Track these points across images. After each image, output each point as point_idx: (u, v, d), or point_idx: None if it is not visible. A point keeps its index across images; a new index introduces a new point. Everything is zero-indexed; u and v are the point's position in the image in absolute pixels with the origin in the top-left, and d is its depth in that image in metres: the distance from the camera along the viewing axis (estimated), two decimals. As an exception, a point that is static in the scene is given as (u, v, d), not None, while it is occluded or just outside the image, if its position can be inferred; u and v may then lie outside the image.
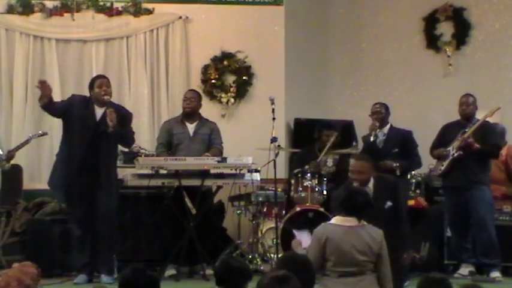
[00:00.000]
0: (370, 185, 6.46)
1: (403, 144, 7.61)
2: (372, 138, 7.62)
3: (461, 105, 7.65)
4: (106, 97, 7.07)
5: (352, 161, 6.72)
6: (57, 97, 8.98)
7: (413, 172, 8.13)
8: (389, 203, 6.39)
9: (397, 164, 7.42)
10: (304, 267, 4.22)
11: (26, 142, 8.01)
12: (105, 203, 7.00)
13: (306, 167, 8.08)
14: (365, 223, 5.19)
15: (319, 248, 5.07)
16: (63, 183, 7.14)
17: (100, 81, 7.19)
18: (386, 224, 5.73)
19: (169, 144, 7.82)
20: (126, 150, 8.02)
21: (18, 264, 4.13)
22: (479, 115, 7.60)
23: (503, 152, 8.06)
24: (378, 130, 7.68)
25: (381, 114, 7.70)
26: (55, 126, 8.91)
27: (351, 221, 5.14)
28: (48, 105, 7.08)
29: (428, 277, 3.99)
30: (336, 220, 5.22)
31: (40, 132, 8.24)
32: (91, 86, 7.23)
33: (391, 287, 5.21)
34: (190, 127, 7.83)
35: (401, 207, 6.57)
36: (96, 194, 6.99)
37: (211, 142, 7.78)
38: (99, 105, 7.12)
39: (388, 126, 7.72)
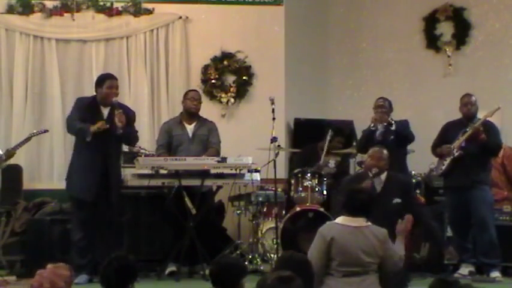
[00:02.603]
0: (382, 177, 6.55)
1: (398, 132, 7.61)
2: (372, 127, 7.59)
3: (465, 105, 7.63)
4: (115, 99, 7.11)
5: (371, 150, 6.75)
6: (56, 97, 9.06)
7: (413, 172, 8.12)
8: (397, 200, 6.42)
9: (392, 119, 7.47)
10: (303, 267, 4.21)
11: (27, 140, 8.00)
12: (111, 203, 7.02)
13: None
14: (369, 223, 5.17)
15: (325, 247, 5.05)
16: (89, 189, 7.05)
17: (111, 83, 7.18)
18: (391, 219, 5.76)
19: (169, 146, 7.82)
20: (126, 150, 8.02)
21: (52, 265, 4.13)
22: (479, 115, 7.60)
23: (500, 153, 8.04)
24: (379, 124, 7.68)
25: (384, 108, 7.68)
26: (55, 125, 8.93)
27: (356, 221, 5.11)
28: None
29: (441, 279, 3.95)
30: (342, 220, 5.18)
31: (42, 129, 8.23)
32: (99, 84, 7.21)
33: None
34: (189, 128, 7.82)
35: (417, 206, 6.51)
36: (103, 193, 7.01)
37: (209, 142, 7.78)
38: (104, 104, 7.14)
39: (389, 119, 7.72)
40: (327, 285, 5.05)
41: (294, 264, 4.17)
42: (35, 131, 8.17)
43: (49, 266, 4.11)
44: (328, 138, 8.35)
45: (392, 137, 7.52)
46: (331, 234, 5.07)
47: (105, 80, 7.21)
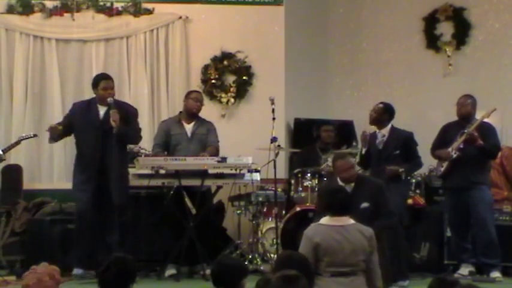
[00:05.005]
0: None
1: (404, 146, 7.54)
2: (363, 151, 7.55)
3: (457, 105, 7.67)
4: (109, 99, 7.12)
5: (338, 162, 6.65)
6: (56, 97, 9.05)
7: (413, 172, 8.13)
8: (364, 204, 6.39)
9: (402, 169, 7.36)
10: (302, 266, 4.21)
11: (16, 143, 7.99)
12: (110, 202, 7.04)
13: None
14: (354, 221, 5.19)
15: (311, 249, 5.05)
16: (87, 190, 7.15)
17: (105, 84, 7.22)
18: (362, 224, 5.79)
19: (165, 145, 7.82)
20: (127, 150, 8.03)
21: (38, 265, 4.15)
22: (477, 116, 7.60)
23: (498, 155, 8.02)
24: (377, 130, 7.64)
25: (374, 113, 7.61)
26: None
27: (341, 220, 5.13)
28: (58, 139, 7.38)
29: (439, 279, 3.93)
30: (326, 220, 5.19)
31: (31, 134, 8.19)
32: (95, 85, 7.26)
33: (381, 286, 5.20)
34: (188, 127, 7.83)
35: (385, 208, 6.50)
36: (104, 193, 7.03)
37: (207, 141, 7.78)
38: (103, 103, 7.17)
39: (388, 127, 7.63)
40: (316, 285, 5.04)
41: (294, 264, 4.17)
42: (24, 135, 8.12)
43: (34, 266, 4.12)
44: (315, 135, 8.42)
45: (397, 151, 7.45)
46: (316, 235, 5.08)
47: (100, 81, 7.26)
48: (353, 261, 5.07)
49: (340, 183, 6.47)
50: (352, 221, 5.16)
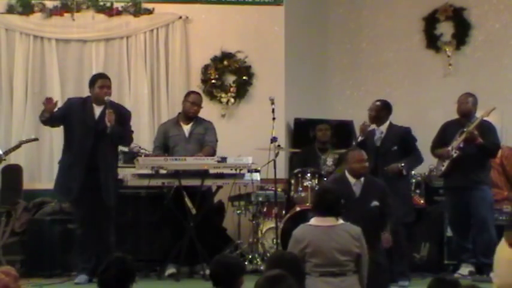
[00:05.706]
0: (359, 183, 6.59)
1: (402, 141, 7.50)
2: (359, 139, 7.52)
3: (457, 102, 7.68)
4: (107, 98, 7.11)
5: (353, 152, 6.71)
6: (56, 97, 9.00)
7: (413, 172, 8.10)
8: (375, 202, 6.46)
9: (402, 164, 7.33)
10: (294, 266, 4.22)
11: (17, 147, 8.01)
12: (104, 202, 7.02)
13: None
14: (342, 221, 5.20)
15: (299, 250, 5.07)
16: (72, 188, 7.12)
17: (102, 82, 7.20)
18: (370, 222, 5.91)
19: (165, 147, 7.83)
20: (126, 150, 8.03)
21: None
22: (477, 115, 7.60)
23: (498, 153, 8.01)
24: (375, 127, 7.61)
25: (372, 112, 7.57)
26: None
27: (329, 221, 5.15)
28: (49, 120, 7.17)
29: (439, 279, 3.92)
30: (314, 221, 5.23)
31: (32, 137, 8.20)
32: (92, 84, 7.25)
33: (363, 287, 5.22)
34: (186, 128, 7.84)
35: (389, 209, 6.56)
36: (97, 193, 7.02)
37: (204, 140, 7.78)
38: (98, 103, 7.16)
39: (386, 124, 7.58)
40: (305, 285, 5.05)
41: (285, 264, 4.18)
42: (24, 139, 8.14)
43: None
44: (311, 136, 8.44)
45: (395, 147, 7.43)
46: (304, 236, 5.12)
47: (97, 80, 7.25)
48: (340, 262, 5.09)
49: (350, 178, 6.50)
50: (340, 221, 5.18)
